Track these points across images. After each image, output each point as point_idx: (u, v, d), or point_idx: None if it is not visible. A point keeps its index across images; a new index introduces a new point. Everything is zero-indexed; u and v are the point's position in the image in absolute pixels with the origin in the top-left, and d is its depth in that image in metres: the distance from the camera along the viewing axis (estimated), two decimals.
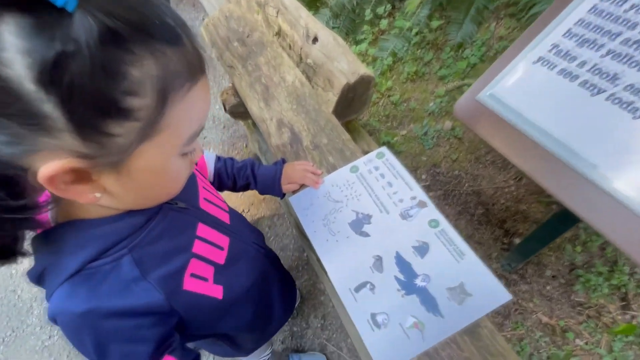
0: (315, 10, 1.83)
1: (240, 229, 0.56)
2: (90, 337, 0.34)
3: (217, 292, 0.46)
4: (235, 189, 0.69)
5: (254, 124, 1.27)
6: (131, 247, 0.36)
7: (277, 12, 1.03)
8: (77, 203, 0.32)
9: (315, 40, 0.93)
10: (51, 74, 0.20)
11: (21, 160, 0.24)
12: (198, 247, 0.44)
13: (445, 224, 0.57)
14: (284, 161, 0.70)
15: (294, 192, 0.67)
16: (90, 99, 0.22)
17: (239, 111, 1.11)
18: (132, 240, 0.36)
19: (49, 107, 0.21)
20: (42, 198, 0.30)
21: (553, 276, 1.09)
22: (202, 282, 0.44)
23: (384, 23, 1.69)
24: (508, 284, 1.11)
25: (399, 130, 1.50)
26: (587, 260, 1.07)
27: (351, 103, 0.91)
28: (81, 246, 0.34)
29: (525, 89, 0.59)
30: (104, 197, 0.30)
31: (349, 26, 1.81)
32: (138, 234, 0.37)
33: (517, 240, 1.16)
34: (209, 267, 0.46)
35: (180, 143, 0.31)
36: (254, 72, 0.91)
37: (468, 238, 1.22)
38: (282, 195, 0.68)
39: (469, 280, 0.51)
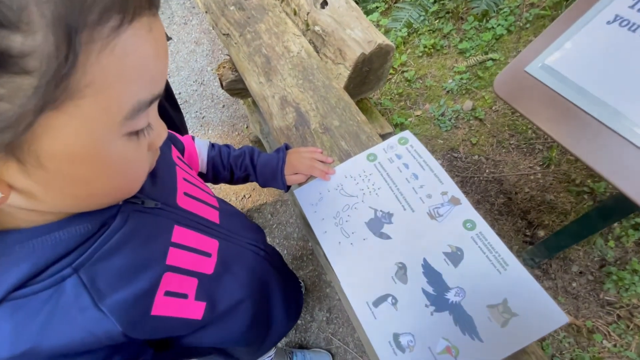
0: None
1: (233, 228, 0.47)
2: None
3: (196, 311, 0.37)
4: (232, 181, 0.60)
5: (255, 103, 1.15)
6: (77, 264, 0.26)
7: None
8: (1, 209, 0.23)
9: (324, 3, 0.80)
10: None
11: None
12: (174, 257, 0.35)
13: (483, 225, 0.47)
14: (287, 147, 0.59)
15: (300, 184, 0.57)
16: None
17: (237, 88, 0.99)
18: (79, 255, 0.27)
19: None
20: None
21: (580, 272, 1.00)
22: (180, 301, 0.35)
23: None
24: None
25: (413, 110, 1.37)
26: (621, 256, 0.97)
27: (366, 78, 0.79)
28: (5, 267, 0.24)
29: (592, 58, 0.47)
30: (14, 198, 0.21)
31: None
32: (87, 245, 0.27)
33: (541, 233, 1.07)
34: (190, 280, 0.37)
35: (119, 116, 0.20)
36: (254, 42, 0.78)
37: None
38: (287, 188, 0.58)
39: (514, 296, 0.42)
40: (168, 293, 0.33)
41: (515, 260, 0.44)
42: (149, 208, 0.34)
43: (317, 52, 0.78)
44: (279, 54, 0.73)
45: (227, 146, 0.59)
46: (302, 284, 1.17)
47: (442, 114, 1.30)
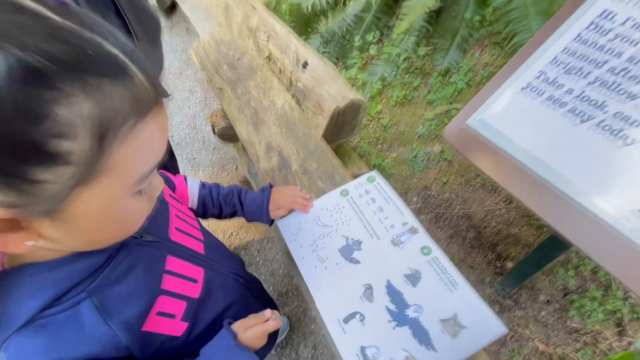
0: (306, 36, 1.89)
1: (216, 258, 0.54)
2: None
3: (178, 330, 0.43)
4: (221, 216, 0.67)
5: (244, 147, 1.27)
6: (90, 290, 0.33)
7: (268, 38, 1.05)
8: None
9: (305, 65, 0.94)
10: None
11: None
12: (168, 283, 0.41)
13: (437, 251, 0.55)
14: (271, 186, 0.68)
15: (283, 216, 0.66)
16: (6, 145, 0.20)
17: (228, 134, 1.10)
18: (91, 282, 0.33)
19: None
20: None
21: (547, 301, 1.07)
22: (168, 320, 0.41)
23: (373, 49, 1.75)
24: (503, 309, 1.09)
25: (389, 152, 1.51)
26: (581, 284, 1.05)
27: (341, 127, 0.92)
28: (33, 293, 0.30)
29: (513, 115, 0.60)
30: (42, 243, 0.27)
31: (339, 52, 1.87)
32: (98, 274, 0.34)
33: (509, 264, 1.15)
34: (179, 303, 0.43)
35: (130, 183, 0.28)
36: (244, 96, 0.91)
37: (461, 262, 1.20)
38: (271, 223, 0.66)
39: (463, 311, 0.49)
40: (159, 313, 0.40)
41: (463, 281, 0.52)
42: (146, 241, 0.41)
43: (299, 104, 0.91)
44: (265, 106, 0.85)
45: (217, 185, 0.68)
46: (287, 320, 1.19)
47: (415, 156, 1.44)
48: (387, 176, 1.44)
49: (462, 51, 1.55)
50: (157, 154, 0.29)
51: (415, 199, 1.37)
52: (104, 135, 0.23)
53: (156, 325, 0.39)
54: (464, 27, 1.54)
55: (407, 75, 1.65)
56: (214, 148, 1.83)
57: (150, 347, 0.39)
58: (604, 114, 0.50)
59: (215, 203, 0.65)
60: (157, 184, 0.34)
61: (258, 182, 1.25)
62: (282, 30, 1.02)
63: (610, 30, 0.52)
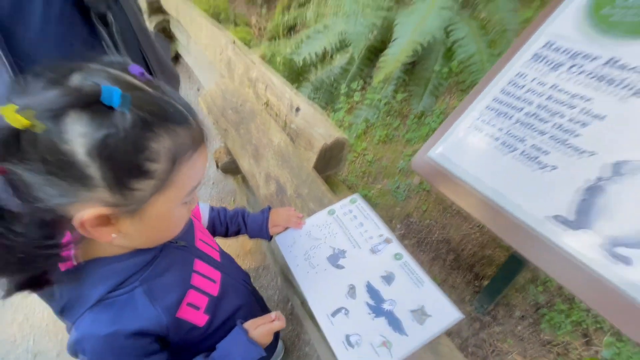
0: (298, 85, 2.13)
1: (229, 266, 0.65)
2: (113, 356, 0.41)
3: (201, 320, 0.53)
4: (227, 234, 0.79)
5: (244, 179, 1.41)
6: (141, 280, 0.44)
7: (266, 87, 1.24)
8: (96, 243, 0.41)
9: (297, 110, 1.12)
10: (97, 149, 0.30)
11: (62, 208, 0.33)
12: (195, 280, 0.52)
13: (407, 256, 0.68)
14: (269, 208, 0.81)
15: (279, 232, 0.78)
16: (122, 165, 0.32)
17: (230, 168, 1.25)
18: (142, 274, 0.45)
19: (92, 170, 0.31)
20: (65, 239, 0.38)
21: (522, 316, 1.16)
22: (194, 311, 0.51)
23: (357, 95, 1.99)
24: (483, 326, 1.17)
25: (374, 185, 1.66)
26: (549, 299, 1.16)
27: (329, 161, 1.07)
28: (103, 279, 0.42)
29: (461, 147, 0.76)
30: (118, 238, 0.38)
31: (327, 98, 2.10)
32: (146, 268, 0.45)
33: (486, 283, 1.25)
34: (203, 298, 0.53)
35: (183, 195, 0.40)
36: (246, 135, 1.07)
37: (443, 282, 1.30)
38: (270, 238, 0.78)
39: (428, 303, 0.60)
40: (189, 304, 0.50)
41: (428, 279, 0.64)
42: (180, 246, 0.53)
43: (293, 142, 1.07)
44: (264, 144, 1.01)
45: (224, 209, 0.80)
46: (282, 344, 1.24)
47: (397, 187, 1.59)
48: (373, 205, 1.57)
49: (434, 97, 1.78)
50: (201, 176, 0.42)
51: (399, 226, 1.50)
52: (174, 161, 0.36)
53: (186, 313, 0.49)
54: (434, 77, 1.79)
55: (388, 117, 1.87)
56: (213, 183, 1.96)
57: (180, 332, 0.49)
58: (524, 145, 0.67)
59: (223, 223, 0.77)
60: (195, 199, 0.47)
61: (257, 208, 1.37)
62: (278, 81, 1.21)
63: (523, 86, 0.71)
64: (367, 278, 0.66)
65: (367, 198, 1.60)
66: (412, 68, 1.95)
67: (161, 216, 0.40)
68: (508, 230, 0.65)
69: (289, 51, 2.17)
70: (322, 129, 1.02)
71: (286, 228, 0.77)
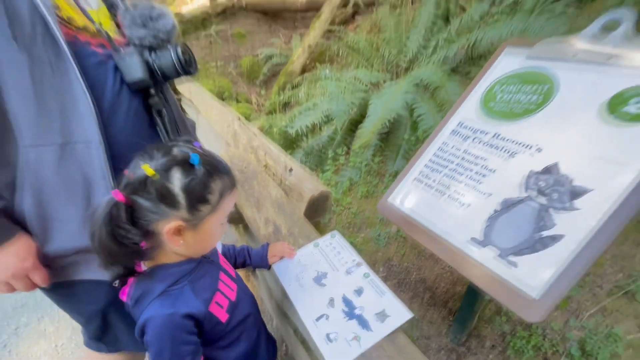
0: (292, 151, 2.49)
1: (241, 282, 0.85)
2: (169, 330, 0.61)
3: (223, 318, 0.73)
4: (235, 266, 1.00)
5: (245, 228, 1.63)
6: (189, 280, 0.66)
7: (265, 153, 1.56)
8: (161, 255, 0.65)
9: (291, 170, 1.42)
10: (185, 187, 0.57)
11: (156, 223, 0.57)
12: (221, 286, 0.74)
13: (373, 275, 0.89)
14: (268, 244, 1.04)
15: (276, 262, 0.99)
16: (196, 196, 0.58)
17: (234, 218, 1.49)
18: (189, 277, 0.66)
19: (180, 198, 0.57)
20: (142, 245, 0.61)
21: (492, 346, 1.30)
22: (219, 309, 0.72)
23: (342, 159, 2.33)
24: (459, 356, 1.30)
25: (358, 233, 1.89)
26: (512, 327, 1.32)
27: (316, 209, 1.33)
28: (164, 278, 0.64)
29: (410, 193, 1.04)
30: (181, 245, 0.61)
31: (317, 161, 2.45)
32: (191, 273, 0.67)
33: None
34: (225, 300, 0.74)
35: (223, 218, 0.65)
36: (249, 190, 1.34)
37: (422, 318, 1.45)
38: (269, 267, 0.99)
39: (388, 307, 0.81)
40: (216, 302, 0.71)
41: (388, 290, 0.85)
42: (210, 261, 0.75)
43: (287, 195, 1.33)
44: (264, 196, 1.28)
45: (233, 245, 1.02)
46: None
47: (379, 235, 1.82)
48: (358, 251, 1.78)
49: (405, 159, 2.13)
50: (232, 206, 0.68)
51: (381, 269, 1.69)
52: (222, 195, 0.62)
53: (214, 309, 0.70)
54: (404, 143, 2.17)
55: (368, 176, 2.19)
56: None
57: (209, 324, 0.69)
58: (449, 191, 0.94)
59: (232, 256, 0.98)
60: (225, 224, 0.72)
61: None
62: (275, 148, 1.53)
63: (447, 151, 1.02)
64: (343, 292, 0.86)
65: (352, 245, 1.81)
66: (387, 137, 2.34)
67: (208, 231, 0.64)
68: (443, 251, 0.89)
69: (284, 124, 2.58)
70: (310, 184, 1.30)
71: (281, 258, 0.98)
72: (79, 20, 0.73)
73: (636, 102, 0.73)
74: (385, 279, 1.62)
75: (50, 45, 0.65)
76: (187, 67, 0.81)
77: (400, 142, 2.19)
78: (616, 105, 0.75)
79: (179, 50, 0.78)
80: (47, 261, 0.73)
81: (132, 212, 0.57)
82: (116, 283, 0.69)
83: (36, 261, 0.71)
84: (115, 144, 0.75)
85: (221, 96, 4.31)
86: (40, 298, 1.88)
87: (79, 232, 0.72)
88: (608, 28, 0.82)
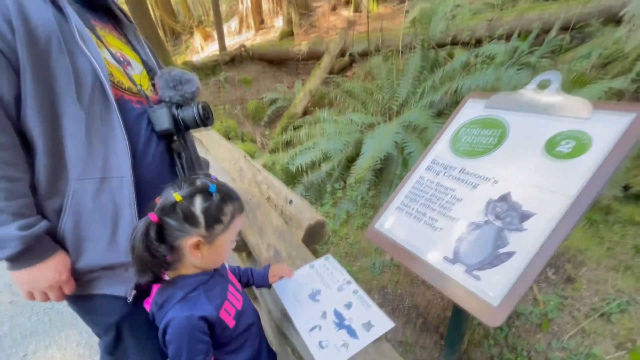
0: (293, 185, 2.68)
1: (245, 295, 0.98)
2: (187, 329, 0.73)
3: (231, 323, 0.85)
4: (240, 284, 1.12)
5: (247, 255, 1.75)
6: (204, 289, 0.80)
7: (268, 187, 1.73)
8: (181, 267, 0.80)
9: (291, 202, 1.58)
10: (205, 210, 0.74)
11: (180, 240, 0.74)
12: (229, 296, 0.87)
13: (361, 292, 1.02)
14: (269, 265, 1.17)
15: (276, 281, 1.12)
16: (212, 217, 0.75)
17: (238, 245, 1.62)
18: (204, 286, 0.80)
19: (201, 220, 0.73)
20: (168, 258, 0.77)
21: None
22: (227, 315, 0.84)
23: (339, 193, 2.50)
24: None
25: (355, 262, 2.00)
26: (500, 350, 1.39)
27: (313, 236, 1.47)
28: (184, 286, 0.78)
29: (394, 220, 1.19)
30: (199, 259, 0.77)
31: (316, 195, 2.62)
32: (206, 283, 0.82)
33: None
34: (232, 308, 0.86)
35: (233, 236, 0.81)
36: (253, 219, 1.49)
37: (414, 344, 1.52)
38: (270, 286, 1.11)
39: (373, 318, 0.92)
40: (225, 309, 0.84)
41: (374, 304, 0.97)
42: (220, 274, 0.89)
43: (287, 223, 1.49)
44: (266, 224, 1.43)
45: (238, 266, 1.16)
46: None
47: (374, 264, 1.93)
48: (355, 279, 1.88)
49: None
50: (241, 227, 0.84)
51: (376, 296, 1.77)
52: (233, 216, 0.79)
53: (223, 315, 0.82)
54: (396, 178, 2.35)
55: (364, 209, 2.34)
56: None
57: (219, 328, 0.81)
58: (425, 217, 1.10)
59: (237, 276, 1.12)
60: (234, 242, 0.87)
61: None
62: (277, 183, 1.71)
63: (423, 184, 1.19)
64: (334, 306, 0.98)
65: (349, 272, 1.92)
66: (380, 172, 2.53)
67: (221, 247, 0.79)
68: (422, 269, 1.02)
69: (286, 161, 2.80)
70: (308, 214, 1.45)
71: (281, 278, 1.11)
72: (126, 83, 0.94)
73: (566, 143, 0.91)
74: (380, 306, 1.70)
75: (103, 103, 0.85)
76: (205, 120, 1.00)
77: (392, 177, 2.37)
78: (551, 146, 0.94)
79: (200, 107, 0.98)
80: (76, 275, 0.87)
81: (162, 231, 0.73)
82: (129, 300, 0.83)
83: (69, 275, 0.85)
84: (141, 179, 0.91)
85: (228, 135, 4.62)
86: (48, 326, 1.96)
87: (106, 251, 0.86)
88: (543, 86, 1.03)
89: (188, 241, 0.73)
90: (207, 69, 7.05)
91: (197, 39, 11.88)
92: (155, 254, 0.71)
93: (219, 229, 0.77)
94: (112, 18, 1.02)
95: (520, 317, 1.42)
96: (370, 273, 1.89)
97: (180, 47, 13.03)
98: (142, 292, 0.87)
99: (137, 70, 1.01)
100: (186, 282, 0.78)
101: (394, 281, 1.80)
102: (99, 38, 0.89)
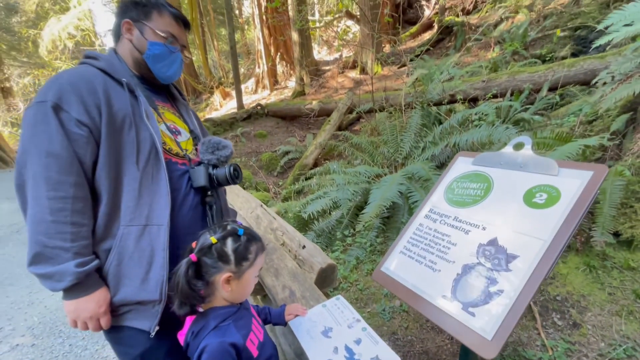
0: (305, 232, 2.82)
1: (265, 330, 1.10)
2: (220, 353, 0.86)
3: (254, 353, 0.96)
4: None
5: (263, 298, 1.85)
6: (233, 320, 0.94)
7: (283, 233, 1.90)
8: (213, 300, 0.94)
9: (304, 247, 1.73)
10: (235, 250, 0.91)
11: (214, 276, 0.90)
12: (253, 328, 0.99)
13: (369, 329, 1.12)
14: (285, 305, 1.29)
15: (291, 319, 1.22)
16: (241, 256, 0.92)
17: (255, 288, 1.74)
18: (232, 317, 0.94)
19: (232, 258, 0.90)
20: (201, 292, 0.92)
21: None
22: (252, 345, 0.96)
23: (349, 240, 2.63)
24: None
25: (365, 308, 2.05)
26: None
27: (325, 279, 1.59)
28: (216, 317, 0.92)
29: (399, 263, 1.32)
30: (229, 292, 0.92)
31: (327, 241, 2.75)
32: (234, 315, 0.95)
33: None
34: (256, 339, 0.98)
35: (257, 271, 0.97)
36: (269, 263, 1.63)
37: None
38: (285, 324, 1.22)
39: (380, 353, 1.02)
40: (250, 340, 0.96)
41: (381, 340, 1.06)
42: (245, 308, 1.03)
43: (301, 267, 1.62)
44: (282, 267, 1.56)
45: (257, 305, 1.28)
46: None
47: (383, 310, 1.98)
48: None
49: None
50: (262, 264, 1.00)
51: (387, 342, 1.80)
52: (257, 255, 0.96)
53: (249, 344, 0.94)
54: (403, 226, 2.48)
55: (373, 255, 2.44)
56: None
57: (245, 356, 0.93)
58: (425, 260, 1.23)
59: (256, 313, 1.23)
60: (257, 277, 1.02)
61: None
62: (291, 229, 1.88)
63: (422, 230, 1.34)
64: (345, 342, 1.08)
65: None
66: (388, 220, 2.67)
67: (246, 281, 0.94)
68: (423, 307, 1.13)
69: (298, 209, 2.98)
70: (319, 258, 1.59)
71: (296, 316, 1.22)
72: (174, 148, 1.18)
73: (540, 195, 1.08)
74: None
75: (155, 165, 1.06)
76: (235, 179, 1.22)
77: (399, 224, 2.51)
78: (529, 197, 1.10)
79: (232, 168, 1.20)
80: (112, 307, 1.01)
81: (199, 269, 0.89)
82: (152, 334, 0.98)
83: (107, 308, 1.00)
84: (176, 227, 1.09)
85: (243, 185, 4.90)
86: None
87: (139, 288, 1.01)
88: (518, 147, 1.23)
89: (221, 277, 0.89)
90: (226, 125, 7.67)
91: (217, 97, 13.01)
92: (193, 288, 0.87)
93: (246, 265, 0.93)
94: (171, 96, 1.31)
95: None
96: (381, 319, 1.93)
97: (201, 104, 14.21)
98: (164, 328, 1.01)
99: (184, 137, 1.26)
100: (217, 313, 0.92)
101: (404, 327, 1.84)
102: (159, 115, 1.15)
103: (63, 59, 16.69)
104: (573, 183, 1.03)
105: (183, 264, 0.88)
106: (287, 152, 5.75)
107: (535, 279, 0.94)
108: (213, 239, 0.90)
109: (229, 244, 0.91)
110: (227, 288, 0.91)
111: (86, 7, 15.42)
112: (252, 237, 0.96)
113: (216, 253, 0.90)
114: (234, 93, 10.42)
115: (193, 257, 0.89)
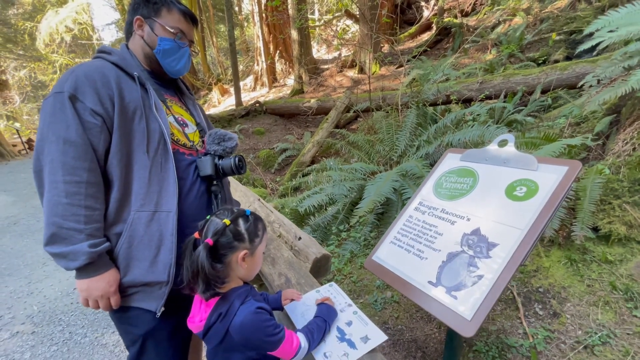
0: (301, 227, 2.89)
1: None
2: (257, 317, 0.92)
3: None
4: None
5: (259, 287, 1.92)
6: (251, 295, 1.01)
7: (279, 226, 1.97)
8: (231, 282, 1.01)
9: (299, 238, 1.80)
10: (247, 229, 0.98)
11: (229, 255, 0.96)
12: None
13: (360, 312, 1.19)
14: (281, 291, 1.36)
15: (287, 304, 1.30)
16: (252, 233, 0.99)
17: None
18: (250, 294, 1.01)
19: (245, 236, 0.97)
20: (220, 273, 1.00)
21: None
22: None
23: (344, 234, 2.70)
24: None
25: (358, 299, 2.13)
26: None
27: (319, 269, 1.66)
28: (238, 297, 0.97)
29: (389, 252, 1.40)
30: (244, 269, 0.99)
31: (322, 236, 2.82)
32: (250, 291, 1.02)
33: None
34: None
35: (264, 247, 1.04)
36: (266, 252, 1.70)
37: None
38: (282, 308, 1.29)
39: (369, 333, 1.09)
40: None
41: (370, 321, 1.14)
42: (254, 287, 1.10)
43: (296, 256, 1.69)
44: (278, 256, 1.63)
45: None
46: None
47: (375, 301, 2.06)
48: None
49: None
50: (266, 240, 1.07)
51: None
52: (263, 232, 1.04)
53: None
54: None
55: (367, 249, 2.52)
56: None
57: None
58: (414, 249, 1.31)
59: None
60: (263, 254, 1.09)
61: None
62: (287, 222, 1.95)
63: (412, 222, 1.42)
64: (337, 324, 1.15)
65: None
66: (382, 215, 2.75)
67: (258, 257, 1.02)
68: (410, 292, 1.21)
69: (295, 204, 3.05)
70: (314, 249, 1.67)
71: (291, 301, 1.30)
72: (182, 139, 1.25)
73: (520, 188, 1.16)
74: None
75: (163, 154, 1.13)
76: (239, 169, 1.29)
77: (392, 220, 2.58)
78: (510, 190, 1.18)
79: (237, 159, 1.27)
80: (121, 288, 1.08)
81: (215, 252, 0.96)
82: (158, 314, 1.05)
83: (117, 288, 1.06)
84: (183, 213, 1.16)
85: (240, 181, 4.96)
86: (67, 355, 2.07)
87: (147, 270, 1.08)
88: (503, 144, 1.31)
89: (237, 255, 0.96)
90: (224, 121, 7.70)
91: (215, 94, 13.01)
92: (216, 269, 0.93)
93: (257, 241, 1.00)
94: (179, 91, 1.37)
95: (511, 349, 1.53)
96: (373, 309, 2.01)
97: (199, 101, 14.20)
98: (169, 310, 1.08)
99: (191, 129, 1.33)
100: (238, 293, 0.98)
101: (395, 317, 1.92)
102: (168, 107, 1.22)
103: (60, 53, 16.59)
104: (550, 177, 1.11)
105: (201, 250, 0.94)
106: (284, 150, 5.82)
107: (512, 265, 1.02)
108: (226, 221, 0.96)
109: (241, 224, 0.98)
110: (243, 265, 0.97)
111: (84, 1, 15.34)
112: (257, 218, 1.04)
113: (231, 234, 0.96)
114: (232, 90, 10.45)
115: (209, 241, 0.95)
